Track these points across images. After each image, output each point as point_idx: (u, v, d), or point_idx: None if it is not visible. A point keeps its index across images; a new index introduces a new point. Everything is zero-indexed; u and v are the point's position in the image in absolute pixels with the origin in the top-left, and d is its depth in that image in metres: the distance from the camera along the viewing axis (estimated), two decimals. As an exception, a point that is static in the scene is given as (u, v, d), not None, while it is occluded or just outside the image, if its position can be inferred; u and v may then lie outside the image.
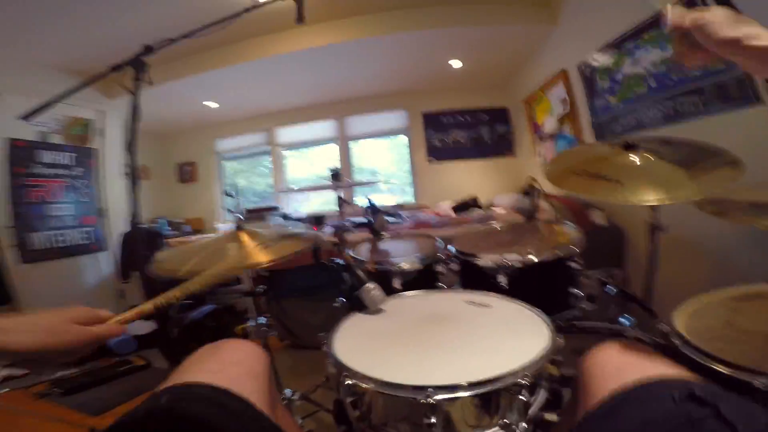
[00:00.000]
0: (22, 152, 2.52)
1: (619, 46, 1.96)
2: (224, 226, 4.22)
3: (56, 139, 2.78)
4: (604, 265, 2.05)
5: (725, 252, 1.57)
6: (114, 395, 1.90)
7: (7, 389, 1.98)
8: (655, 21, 1.69)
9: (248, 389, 0.55)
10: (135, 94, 1.27)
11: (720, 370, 0.57)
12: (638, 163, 1.07)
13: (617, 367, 0.52)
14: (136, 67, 1.26)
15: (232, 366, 0.59)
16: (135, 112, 1.27)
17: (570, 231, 1.23)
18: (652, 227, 1.36)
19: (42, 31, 2.32)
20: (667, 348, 0.72)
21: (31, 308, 2.49)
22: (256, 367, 0.63)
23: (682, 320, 0.74)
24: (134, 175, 1.26)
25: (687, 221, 1.41)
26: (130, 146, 1.26)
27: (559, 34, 2.66)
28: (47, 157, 2.68)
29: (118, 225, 3.17)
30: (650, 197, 0.95)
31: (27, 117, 1.20)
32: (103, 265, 3.12)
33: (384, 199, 4.22)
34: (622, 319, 1.16)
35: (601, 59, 2.12)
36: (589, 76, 2.31)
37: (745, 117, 1.41)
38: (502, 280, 1.00)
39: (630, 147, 1.13)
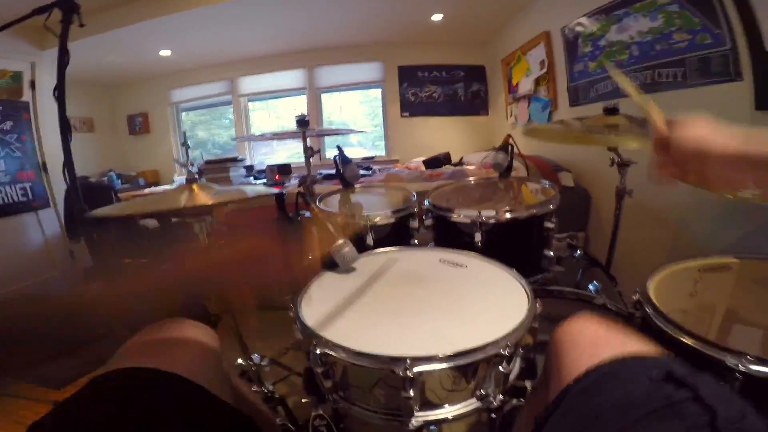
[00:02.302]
0: None
1: (609, 12, 1.92)
2: (182, 178, 4.00)
3: None
4: (569, 228, 2.10)
5: (687, 222, 1.63)
6: (76, 366, 1.79)
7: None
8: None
9: (197, 372, 0.51)
10: (62, 36, 1.10)
11: (687, 342, 0.57)
12: (618, 123, 1.07)
13: (591, 342, 0.51)
14: (64, 8, 1.09)
15: (178, 348, 0.55)
16: (62, 57, 1.11)
17: (546, 188, 1.22)
18: (619, 190, 1.39)
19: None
20: (633, 317, 0.72)
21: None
22: (206, 349, 0.60)
23: (651, 289, 0.74)
24: (64, 126, 1.11)
25: (652, 188, 1.44)
26: (58, 94, 1.10)
27: None
28: None
29: (61, 180, 2.88)
30: (636, 144, 0.96)
31: None
32: (48, 223, 2.86)
33: (355, 152, 4.11)
34: (590, 286, 1.20)
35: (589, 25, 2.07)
36: (572, 40, 2.26)
37: (723, 92, 1.42)
38: (478, 237, 0.98)
39: (610, 111, 1.12)
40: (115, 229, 2.58)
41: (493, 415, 0.60)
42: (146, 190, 3.55)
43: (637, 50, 1.78)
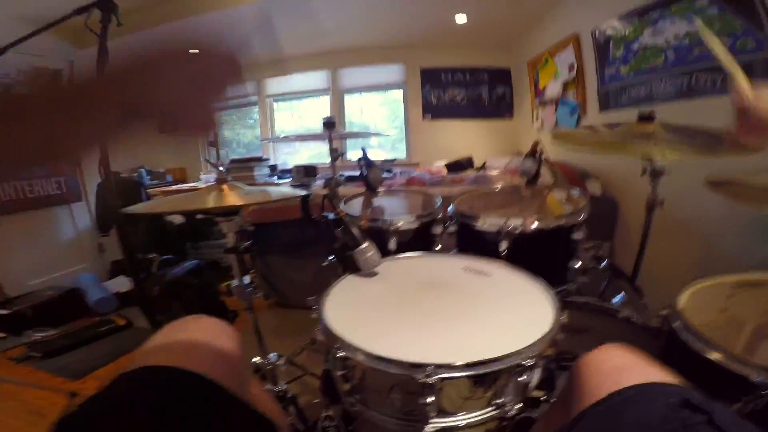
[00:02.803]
0: None
1: (643, 14, 1.86)
2: (208, 176, 4.10)
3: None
4: (594, 237, 2.04)
5: (719, 235, 1.56)
6: (95, 357, 1.86)
7: (-16, 354, 1.92)
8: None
9: (218, 371, 0.52)
10: (102, 37, 1.15)
11: (715, 359, 0.56)
12: (653, 131, 1.03)
13: (614, 370, 0.52)
14: (104, 8, 1.14)
15: (200, 347, 0.56)
16: (102, 57, 1.15)
17: (576, 198, 1.18)
18: (650, 201, 1.34)
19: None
20: (660, 332, 0.71)
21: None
22: (227, 347, 0.60)
23: (681, 304, 0.72)
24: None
25: (683, 199, 1.38)
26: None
27: None
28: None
29: (94, 175, 3.00)
30: (673, 155, 0.94)
31: None
32: (80, 217, 2.98)
33: (374, 154, 4.11)
34: (614, 299, 1.16)
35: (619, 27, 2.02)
36: (603, 43, 2.20)
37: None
38: (503, 246, 0.96)
39: (645, 119, 1.08)
40: (143, 223, 2.68)
41: (504, 423, 0.58)
42: (173, 187, 3.67)
43: (673, 54, 1.72)
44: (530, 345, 0.55)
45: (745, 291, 0.77)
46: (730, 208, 1.18)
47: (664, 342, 0.70)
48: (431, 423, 0.55)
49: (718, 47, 0.66)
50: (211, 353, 0.56)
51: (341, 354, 0.58)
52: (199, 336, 0.59)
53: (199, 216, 2.92)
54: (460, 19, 3.11)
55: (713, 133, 1.00)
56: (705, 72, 1.57)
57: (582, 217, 1.02)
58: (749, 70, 1.42)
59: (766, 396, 0.49)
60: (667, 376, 0.49)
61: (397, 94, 4.08)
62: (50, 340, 2.02)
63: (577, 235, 1.01)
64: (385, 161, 3.88)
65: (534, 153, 1.24)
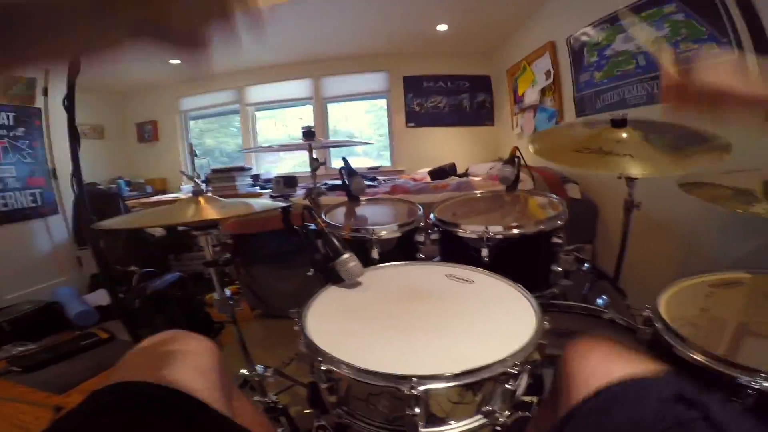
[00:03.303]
0: None
1: (614, 21, 1.92)
2: (190, 186, 4.01)
3: None
4: (576, 240, 2.08)
5: (696, 235, 1.61)
6: (78, 371, 1.82)
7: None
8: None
9: (198, 386, 0.51)
10: None
11: (698, 359, 0.56)
12: (625, 139, 1.06)
13: (602, 361, 0.51)
14: None
15: (178, 362, 0.55)
16: (72, 67, 1.12)
17: (554, 202, 1.20)
18: (627, 204, 1.38)
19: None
20: (643, 333, 0.71)
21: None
22: (206, 362, 0.59)
23: (662, 304, 0.73)
24: (72, 132, 1.12)
25: (660, 201, 1.42)
26: (68, 104, 1.12)
27: (551, 5, 2.59)
28: None
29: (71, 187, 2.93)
30: (639, 170, 0.96)
31: None
32: (57, 230, 2.89)
33: (360, 162, 4.12)
34: (598, 300, 1.18)
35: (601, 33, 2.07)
36: (577, 49, 2.26)
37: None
38: (485, 252, 0.97)
39: (618, 123, 1.11)
40: (122, 234, 2.61)
41: (498, 428, 0.58)
42: (153, 198, 3.59)
43: (643, 60, 1.78)
44: (514, 353, 0.55)
45: (725, 290, 0.78)
46: (707, 208, 1.23)
47: (649, 342, 0.70)
48: (422, 432, 0.54)
49: (642, 34, 0.72)
50: (188, 368, 0.55)
51: (325, 367, 0.57)
52: (177, 350, 0.58)
53: (180, 228, 2.86)
54: (442, 27, 3.17)
55: (682, 129, 1.03)
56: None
57: (561, 221, 1.04)
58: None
59: (753, 395, 0.49)
60: (655, 366, 0.48)
61: (382, 102, 4.11)
62: (30, 354, 1.96)
63: (558, 239, 1.03)
64: (370, 169, 3.89)
65: (513, 159, 1.27)
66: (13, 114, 2.64)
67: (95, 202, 1.60)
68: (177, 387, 0.48)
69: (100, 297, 2.55)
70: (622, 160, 1.02)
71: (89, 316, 2.35)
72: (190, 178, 0.91)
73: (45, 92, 2.86)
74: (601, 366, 0.49)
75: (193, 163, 1.16)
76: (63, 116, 2.92)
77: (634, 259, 1.47)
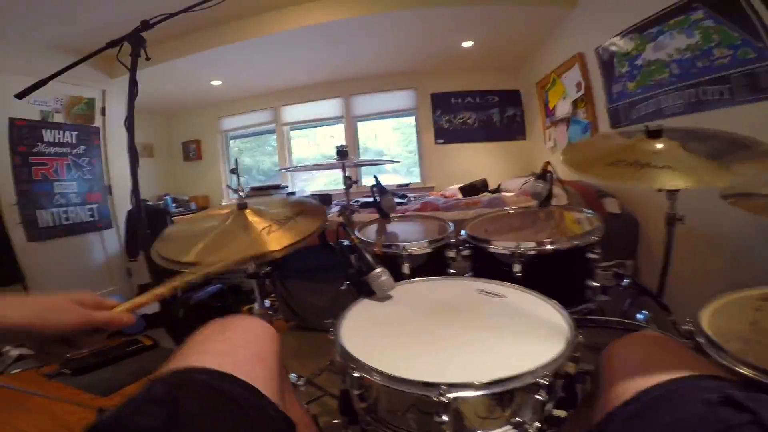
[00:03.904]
0: (22, 131, 2.54)
1: (642, 30, 1.88)
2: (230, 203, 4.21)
3: (58, 119, 2.79)
4: (616, 256, 2.00)
5: (744, 248, 1.51)
6: (122, 376, 1.94)
7: (19, 369, 2.01)
8: (683, 7, 1.61)
9: (256, 374, 0.50)
10: (132, 69, 1.24)
11: (744, 372, 0.53)
12: (662, 149, 1.03)
13: (642, 362, 0.49)
14: (134, 42, 1.22)
15: (240, 348, 0.55)
16: (132, 88, 1.24)
17: (589, 218, 1.18)
18: (669, 217, 1.32)
19: (41, 11, 2.28)
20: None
21: (39, 290, 2.50)
22: (266, 349, 0.59)
23: (705, 318, 0.70)
24: (133, 152, 1.23)
25: (705, 213, 1.36)
26: (128, 124, 1.23)
27: (577, 16, 2.57)
28: (48, 135, 2.69)
29: (124, 203, 3.17)
30: (679, 182, 0.92)
31: (21, 95, 1.19)
32: (110, 242, 3.13)
33: (389, 179, 4.17)
34: (638, 315, 1.14)
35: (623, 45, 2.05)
36: (607, 60, 2.22)
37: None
38: (517, 268, 0.96)
39: (654, 134, 1.09)
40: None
41: None
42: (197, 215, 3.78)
43: (677, 68, 1.72)
44: (545, 364, 0.55)
45: None
46: (753, 219, 1.16)
47: None
48: (448, 442, 0.55)
49: None
50: (250, 355, 0.54)
51: (357, 374, 0.60)
52: (239, 336, 0.58)
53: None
54: (467, 44, 3.21)
55: (722, 135, 0.99)
56: (711, 84, 1.57)
57: (596, 236, 1.02)
58: (752, 80, 1.42)
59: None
60: (698, 365, 0.45)
61: (410, 119, 4.17)
62: (81, 358, 2.10)
63: (593, 255, 1.01)
64: (400, 186, 3.93)
65: (544, 174, 1.26)
66: (75, 133, 2.87)
67: (146, 218, 1.72)
68: (237, 375, 0.48)
69: (147, 306, 2.70)
70: (660, 172, 0.98)
71: (136, 324, 2.48)
72: (236, 192, 0.98)
73: (103, 112, 3.09)
74: (642, 367, 0.47)
75: (238, 179, 1.24)
76: (119, 135, 3.18)
77: (679, 274, 1.40)
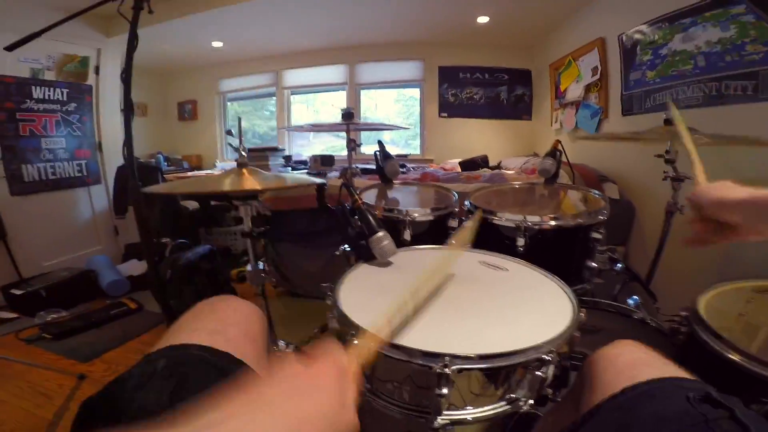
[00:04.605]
0: (10, 88, 2.47)
1: (673, 21, 1.82)
2: (224, 164, 4.15)
3: (50, 76, 2.72)
4: (609, 241, 2.01)
5: (738, 243, 1.52)
6: (105, 340, 1.88)
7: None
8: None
9: (246, 352, 0.51)
10: (133, 22, 1.18)
11: (735, 359, 0.58)
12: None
13: (629, 365, 0.51)
14: None
15: (230, 327, 0.55)
16: (132, 41, 1.18)
17: (596, 198, 1.17)
18: (670, 206, 1.31)
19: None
20: (677, 333, 0.73)
21: (20, 248, 2.43)
22: (255, 329, 0.60)
23: (701, 306, 0.73)
24: (128, 104, 1.17)
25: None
26: (125, 77, 1.17)
27: (602, 1, 2.48)
28: (38, 92, 2.62)
29: (114, 159, 3.08)
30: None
31: (11, 47, 1.14)
32: (97, 199, 3.05)
33: (388, 149, 4.07)
34: (629, 300, 1.14)
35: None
36: (630, 47, 2.16)
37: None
38: (521, 242, 0.95)
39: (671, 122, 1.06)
40: (158, 207, 2.72)
41: (509, 418, 0.58)
42: (189, 174, 3.71)
43: (703, 60, 1.67)
44: (551, 339, 0.54)
45: (764, 297, 0.78)
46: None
47: (682, 343, 0.71)
48: (443, 416, 0.54)
49: (686, 133, 0.70)
50: (240, 334, 0.55)
51: (357, 341, 0.58)
52: (229, 316, 0.58)
53: (213, 202, 2.95)
54: (482, 19, 3.09)
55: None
56: (735, 79, 1.53)
57: (602, 216, 1.01)
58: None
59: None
60: (683, 373, 0.48)
61: (412, 92, 4.06)
62: (62, 321, 2.04)
63: (596, 235, 0.99)
64: (399, 156, 3.87)
65: (554, 152, 1.23)
66: (66, 90, 2.79)
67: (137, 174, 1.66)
68: (230, 351, 0.49)
69: (133, 267, 2.67)
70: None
71: (121, 286, 2.45)
72: (236, 150, 0.93)
73: (97, 71, 3.01)
74: (628, 369, 0.49)
75: (240, 138, 1.18)
76: (112, 93, 3.09)
77: (670, 265, 1.41)
